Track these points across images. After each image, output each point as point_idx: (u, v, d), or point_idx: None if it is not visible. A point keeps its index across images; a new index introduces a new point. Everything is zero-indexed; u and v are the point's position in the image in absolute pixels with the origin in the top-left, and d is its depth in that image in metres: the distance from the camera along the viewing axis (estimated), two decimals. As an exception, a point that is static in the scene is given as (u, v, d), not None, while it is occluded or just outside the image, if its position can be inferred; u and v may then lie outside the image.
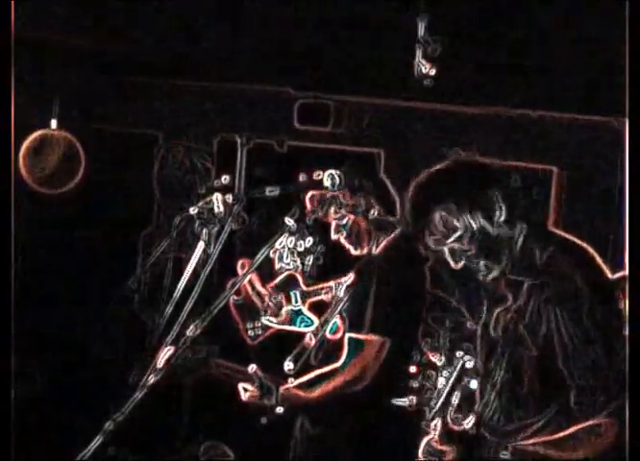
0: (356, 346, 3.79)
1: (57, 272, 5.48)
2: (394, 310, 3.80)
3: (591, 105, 4.77)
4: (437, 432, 3.08)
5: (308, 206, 4.26)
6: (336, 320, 3.92)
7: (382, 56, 4.44)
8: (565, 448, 2.94)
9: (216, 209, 3.79)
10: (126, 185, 5.61)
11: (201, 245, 3.83)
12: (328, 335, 3.94)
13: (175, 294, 3.82)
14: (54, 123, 5.46)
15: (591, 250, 3.14)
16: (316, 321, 4.09)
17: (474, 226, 3.10)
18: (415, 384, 3.29)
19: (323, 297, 4.14)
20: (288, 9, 4.01)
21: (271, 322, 4.23)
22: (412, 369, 3.48)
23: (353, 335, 3.81)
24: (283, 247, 4.48)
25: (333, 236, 3.95)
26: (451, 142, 5.22)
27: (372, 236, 3.90)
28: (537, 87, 4.67)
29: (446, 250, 3.16)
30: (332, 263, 4.34)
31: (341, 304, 3.90)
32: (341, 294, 3.95)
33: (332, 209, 3.89)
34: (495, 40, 4.10)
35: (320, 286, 4.23)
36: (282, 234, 3.91)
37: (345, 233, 3.91)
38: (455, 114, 5.28)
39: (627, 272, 2.95)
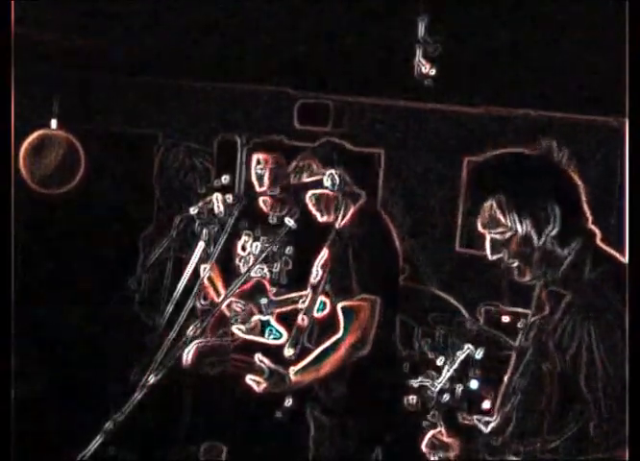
0: (351, 312, 3.83)
1: (57, 272, 5.48)
2: (375, 270, 3.84)
3: (591, 105, 4.78)
4: (442, 426, 3.02)
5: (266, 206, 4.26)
6: (321, 298, 3.95)
7: (383, 56, 4.44)
8: None
9: (216, 209, 3.80)
10: (126, 185, 5.62)
11: (201, 245, 3.83)
12: (316, 314, 3.97)
13: (175, 294, 3.82)
14: (54, 123, 5.47)
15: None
16: (285, 333, 4.12)
17: (519, 229, 2.91)
18: (415, 384, 3.28)
19: (292, 306, 4.16)
20: (288, 9, 4.01)
21: (240, 331, 4.24)
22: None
23: (345, 304, 3.85)
24: (249, 253, 4.49)
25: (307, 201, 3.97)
26: (450, 142, 5.23)
27: (339, 204, 3.93)
28: (537, 87, 4.67)
29: (488, 237, 2.96)
30: (300, 266, 4.33)
31: (323, 282, 3.93)
32: (320, 272, 3.98)
33: (305, 176, 3.92)
34: (495, 40, 4.10)
35: (289, 296, 4.25)
36: (282, 235, 3.90)
37: (313, 200, 3.93)
38: (455, 114, 5.29)
39: (626, 271, 2.93)
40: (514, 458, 2.87)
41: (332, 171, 3.75)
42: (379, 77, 4.86)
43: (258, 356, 3.80)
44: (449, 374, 3.03)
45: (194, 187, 5.38)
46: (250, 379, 3.78)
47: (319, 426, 4.05)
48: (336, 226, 3.94)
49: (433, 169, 5.52)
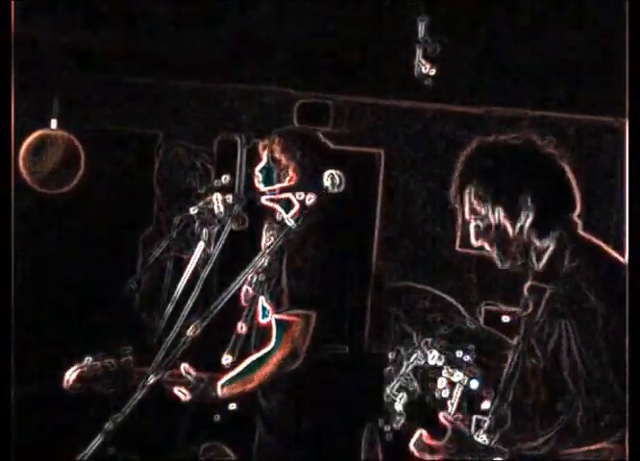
0: (282, 325, 3.80)
1: (57, 272, 5.48)
2: (314, 282, 3.78)
3: (591, 105, 4.78)
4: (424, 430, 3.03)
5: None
6: (265, 304, 3.92)
7: (382, 56, 4.44)
8: None
9: (216, 209, 3.79)
10: (126, 185, 5.61)
11: (201, 245, 3.83)
12: (261, 321, 3.94)
13: (175, 294, 3.82)
14: (54, 123, 5.46)
15: (625, 263, 2.88)
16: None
17: (491, 220, 2.96)
18: (415, 384, 3.29)
19: None
20: (288, 8, 4.01)
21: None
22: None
23: (277, 317, 3.81)
24: None
25: (256, 172, 3.95)
26: (450, 142, 5.23)
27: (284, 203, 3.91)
28: (537, 87, 4.68)
29: (472, 223, 3.01)
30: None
31: (261, 289, 3.90)
32: (261, 279, 3.94)
33: (265, 152, 3.92)
34: (495, 40, 4.10)
35: None
36: (284, 235, 3.89)
37: (261, 177, 3.92)
38: (455, 114, 5.29)
39: (626, 272, 2.94)
40: (499, 459, 2.87)
41: (333, 171, 3.72)
42: (379, 77, 4.86)
43: (183, 367, 3.78)
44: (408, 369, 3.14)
45: (194, 187, 5.38)
46: (177, 391, 3.78)
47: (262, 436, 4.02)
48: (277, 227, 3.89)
49: (433, 168, 5.52)
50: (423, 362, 3.13)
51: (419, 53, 3.67)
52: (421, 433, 2.97)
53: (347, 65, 4.73)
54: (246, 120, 5.56)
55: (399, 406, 3.12)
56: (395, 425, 3.13)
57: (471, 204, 2.97)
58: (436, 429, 2.95)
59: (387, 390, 3.15)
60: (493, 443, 2.91)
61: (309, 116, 5.37)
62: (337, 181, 3.70)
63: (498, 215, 2.93)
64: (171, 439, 4.84)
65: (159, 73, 5.45)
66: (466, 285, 5.37)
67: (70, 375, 3.76)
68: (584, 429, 2.78)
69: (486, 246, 3.00)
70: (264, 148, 3.95)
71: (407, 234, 5.51)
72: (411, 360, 3.14)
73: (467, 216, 3.00)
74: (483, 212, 2.95)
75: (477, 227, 2.98)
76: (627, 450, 2.73)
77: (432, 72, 3.71)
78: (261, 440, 4.00)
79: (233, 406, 3.84)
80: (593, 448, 2.77)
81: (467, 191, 2.97)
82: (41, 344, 5.23)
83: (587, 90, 4.54)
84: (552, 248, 2.92)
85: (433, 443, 2.94)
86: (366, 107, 5.46)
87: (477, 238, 2.99)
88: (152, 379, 3.45)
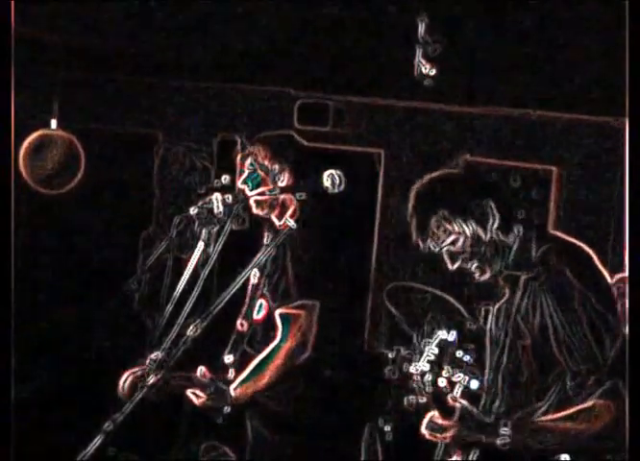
0: (287, 319, 3.80)
1: (57, 272, 5.48)
2: (316, 274, 3.81)
3: (591, 105, 4.78)
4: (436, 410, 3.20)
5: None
6: (260, 300, 3.92)
7: (383, 56, 4.44)
8: (562, 428, 3.11)
9: (216, 209, 3.79)
10: (126, 185, 5.61)
11: (201, 245, 3.82)
12: (255, 317, 3.94)
13: (175, 294, 3.82)
14: (54, 123, 5.46)
15: (587, 248, 3.29)
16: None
17: (467, 231, 3.26)
18: (414, 385, 3.30)
19: None
20: (289, 8, 4.01)
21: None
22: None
23: (282, 311, 3.81)
24: None
25: (239, 185, 3.94)
26: (451, 142, 5.24)
27: (276, 201, 3.90)
28: (537, 87, 4.67)
29: (443, 252, 3.31)
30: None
31: (261, 285, 3.90)
32: (257, 274, 3.94)
33: (248, 162, 3.91)
34: (495, 40, 4.10)
35: None
36: (283, 236, 3.89)
37: (250, 186, 3.91)
38: (455, 114, 5.29)
39: (627, 272, 2.97)
40: (505, 429, 3.10)
41: (333, 171, 3.71)
42: (379, 77, 4.85)
43: (201, 370, 3.77)
44: (426, 355, 3.21)
45: (194, 187, 5.37)
46: (190, 393, 3.76)
47: (258, 437, 4.00)
48: (276, 225, 3.89)
49: (432, 169, 5.51)
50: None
51: (419, 53, 3.68)
52: (433, 414, 3.18)
53: (347, 65, 4.73)
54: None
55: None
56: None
57: (440, 227, 3.28)
58: (446, 410, 3.15)
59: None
60: (495, 418, 3.19)
61: (309, 116, 5.37)
62: (337, 180, 3.70)
63: (471, 226, 3.25)
64: (171, 439, 4.84)
65: (159, 73, 5.45)
66: (466, 285, 5.38)
67: (124, 383, 3.76)
68: (573, 393, 3.12)
69: (465, 264, 3.30)
70: (245, 157, 3.95)
71: (407, 234, 5.51)
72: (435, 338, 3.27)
73: (433, 246, 3.31)
74: (457, 229, 3.26)
75: (449, 252, 3.29)
76: (628, 450, 2.76)
77: (432, 72, 3.72)
78: (261, 439, 4.00)
79: (227, 409, 3.82)
80: (580, 407, 3.08)
81: (433, 220, 3.28)
82: (41, 343, 5.23)
83: (587, 90, 4.54)
84: (518, 241, 3.26)
85: (444, 422, 3.15)
86: (366, 107, 5.46)
87: (453, 262, 3.30)
88: (152, 379, 3.45)
